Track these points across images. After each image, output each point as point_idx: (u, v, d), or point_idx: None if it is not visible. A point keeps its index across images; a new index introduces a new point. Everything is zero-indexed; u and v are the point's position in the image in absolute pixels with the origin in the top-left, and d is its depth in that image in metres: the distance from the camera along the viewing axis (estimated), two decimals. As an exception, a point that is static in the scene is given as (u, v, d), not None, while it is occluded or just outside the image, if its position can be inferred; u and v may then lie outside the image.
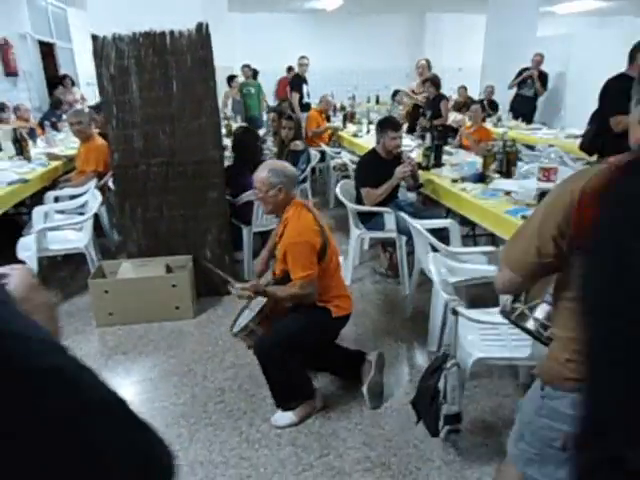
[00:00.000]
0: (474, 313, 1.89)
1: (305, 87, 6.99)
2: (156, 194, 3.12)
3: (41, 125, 6.15)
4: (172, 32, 2.87)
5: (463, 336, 1.96)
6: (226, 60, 7.50)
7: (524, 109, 6.99)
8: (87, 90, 9.82)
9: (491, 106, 7.16)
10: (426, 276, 2.64)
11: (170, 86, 2.96)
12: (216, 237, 3.28)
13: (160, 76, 2.93)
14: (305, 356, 2.20)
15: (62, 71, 8.87)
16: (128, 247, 3.23)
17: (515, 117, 6.81)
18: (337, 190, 3.51)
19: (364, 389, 2.25)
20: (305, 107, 6.83)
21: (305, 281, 2.03)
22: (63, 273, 3.77)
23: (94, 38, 2.82)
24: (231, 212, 3.47)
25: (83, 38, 9.86)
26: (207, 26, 2.91)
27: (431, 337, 2.66)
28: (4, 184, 3.42)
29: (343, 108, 7.60)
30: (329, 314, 2.15)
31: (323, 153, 5.56)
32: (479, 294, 2.70)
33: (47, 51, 8.43)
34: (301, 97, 6.88)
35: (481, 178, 3.23)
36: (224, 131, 5.05)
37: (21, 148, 4.28)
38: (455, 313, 1.80)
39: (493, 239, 3.38)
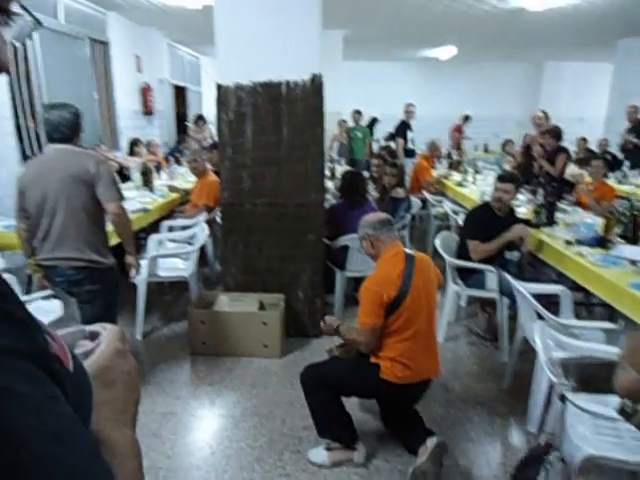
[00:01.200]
0: (586, 400, 1.65)
1: (410, 133, 7.01)
2: (258, 232, 3.25)
3: (166, 159, 6.81)
4: (288, 82, 3.03)
5: (571, 425, 1.72)
6: (336, 105, 7.80)
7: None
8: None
9: (614, 161, 6.58)
10: (529, 344, 2.40)
11: (281, 131, 3.11)
12: (310, 278, 3.31)
13: (273, 122, 3.10)
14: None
15: (190, 111, 9.85)
16: (227, 280, 3.38)
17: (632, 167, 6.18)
18: (437, 242, 3.38)
19: (409, 471, 2.01)
20: (409, 153, 6.82)
21: (363, 328, 2.02)
22: (167, 297, 4.03)
23: (219, 87, 3.08)
24: (327, 255, 3.50)
25: (211, 83, 10.91)
26: (321, 77, 3.04)
27: (531, 416, 2.38)
28: (129, 212, 3.79)
29: (449, 155, 7.46)
30: (377, 372, 2.04)
31: (424, 200, 5.46)
32: (593, 375, 2.38)
33: (179, 93, 9.44)
34: (405, 143, 6.90)
35: (601, 242, 2.92)
36: (327, 173, 5.19)
37: (147, 180, 4.75)
38: (563, 399, 1.58)
39: (611, 312, 3.01)
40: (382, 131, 9.32)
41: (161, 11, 6.52)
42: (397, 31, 8.02)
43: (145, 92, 7.63)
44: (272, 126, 3.10)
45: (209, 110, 10.88)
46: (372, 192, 4.88)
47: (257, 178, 3.18)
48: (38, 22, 0.42)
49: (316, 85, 3.04)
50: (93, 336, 0.56)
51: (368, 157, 7.88)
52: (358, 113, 8.49)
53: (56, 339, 0.39)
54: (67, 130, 2.27)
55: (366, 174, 6.41)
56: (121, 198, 2.41)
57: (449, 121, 9.93)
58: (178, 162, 6.79)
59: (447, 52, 10.06)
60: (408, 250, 2.24)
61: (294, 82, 3.03)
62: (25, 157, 4.84)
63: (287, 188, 3.17)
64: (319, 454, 2.18)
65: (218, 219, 4.13)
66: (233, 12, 2.99)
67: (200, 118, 8.28)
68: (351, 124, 8.48)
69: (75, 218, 2.29)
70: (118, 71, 6.83)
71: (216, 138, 8.56)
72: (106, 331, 0.56)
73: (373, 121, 8.96)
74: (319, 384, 2.11)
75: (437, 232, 4.18)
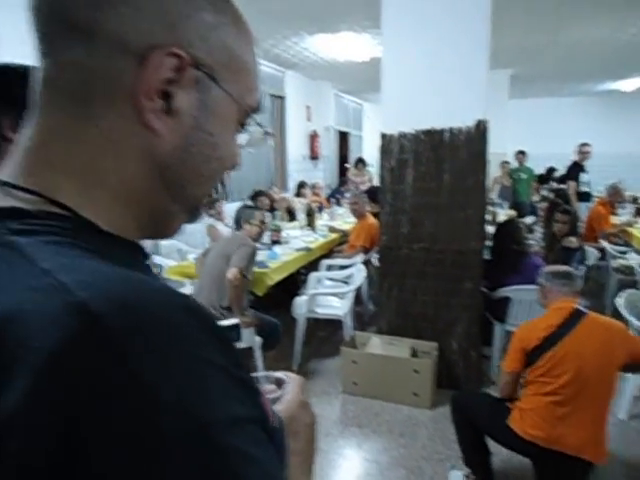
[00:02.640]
0: None
1: (584, 176, 6.36)
2: (413, 277, 3.24)
3: (328, 200, 7.26)
4: (451, 129, 3.04)
5: None
6: (499, 146, 7.49)
7: None
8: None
9: None
10: None
11: (442, 178, 3.10)
12: (465, 329, 3.17)
13: (434, 168, 3.11)
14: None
15: (352, 154, 10.40)
16: (380, 322, 3.42)
17: None
18: (619, 301, 2.97)
19: None
20: (583, 197, 6.17)
21: (503, 371, 2.10)
22: (322, 334, 4.22)
23: (383, 136, 3.22)
24: (485, 305, 3.33)
25: (372, 127, 11.42)
26: (486, 123, 2.98)
27: None
28: (293, 250, 4.12)
29: (635, 200, 6.54)
30: (506, 415, 2.02)
31: (603, 250, 4.84)
32: None
33: (342, 138, 10.05)
34: (577, 186, 6.27)
35: None
36: (488, 217, 4.96)
37: (310, 220, 5.12)
38: None
39: None
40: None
41: (331, 66, 7.11)
42: (573, 65, 7.46)
43: (313, 139, 8.32)
44: (433, 172, 3.12)
45: (369, 153, 11.36)
46: (539, 240, 4.53)
47: (416, 223, 3.20)
48: (268, 133, 0.51)
49: (480, 131, 2.99)
50: (278, 383, 0.62)
51: (533, 199, 7.34)
52: (522, 153, 8.02)
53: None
54: None
55: (532, 219, 5.98)
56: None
57: (635, 159, 8.75)
58: (339, 203, 7.18)
59: (632, 84, 8.99)
60: (582, 308, 2.03)
61: (457, 129, 3.02)
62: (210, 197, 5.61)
63: (446, 234, 3.13)
64: (456, 477, 2.32)
65: (374, 260, 4.24)
66: (399, 63, 3.12)
67: (360, 161, 8.67)
68: (514, 165, 8.04)
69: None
70: (291, 121, 7.59)
71: (375, 181, 8.88)
72: (291, 380, 0.60)
73: (550, 171, 8.40)
74: (464, 410, 2.23)
75: (619, 288, 3.67)
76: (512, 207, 7.14)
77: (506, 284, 3.32)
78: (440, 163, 3.10)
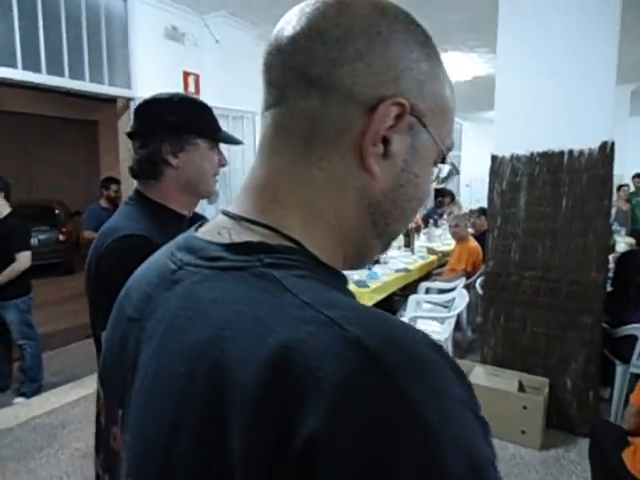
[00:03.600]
0: None
1: None
2: (523, 306, 3.06)
3: (424, 220, 7.12)
4: (571, 151, 2.85)
5: None
6: (616, 168, 6.89)
7: None
8: (464, 191, 10.85)
9: None
10: None
11: (559, 202, 2.91)
12: (582, 367, 2.91)
13: (550, 192, 2.94)
14: None
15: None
16: (484, 351, 3.25)
17: None
18: None
19: None
20: None
21: (631, 403, 2.04)
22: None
23: (493, 158, 3.11)
24: (605, 342, 3.03)
25: (471, 146, 11.07)
26: (612, 144, 2.76)
27: None
28: (392, 271, 4.09)
29: None
30: (621, 448, 1.95)
31: None
32: None
33: (440, 158, 9.83)
34: None
35: None
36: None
37: (409, 241, 5.05)
38: None
39: None
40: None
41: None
42: None
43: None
44: (549, 196, 2.94)
45: (467, 172, 11.02)
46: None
47: (527, 249, 3.03)
48: (457, 171, 0.52)
49: (606, 153, 2.77)
50: None
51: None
52: (639, 177, 7.31)
53: None
54: None
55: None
56: None
57: None
58: (436, 224, 7.01)
59: None
60: None
61: (579, 151, 2.83)
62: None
63: (562, 263, 2.92)
64: None
65: (477, 286, 4.07)
66: (515, 81, 3.00)
67: (449, 195, 8.26)
68: (632, 188, 7.34)
69: None
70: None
71: (462, 208, 8.48)
72: None
73: None
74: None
75: None
76: (630, 234, 6.51)
77: (631, 321, 3.01)
78: (557, 187, 2.91)
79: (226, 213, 0.45)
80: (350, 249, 0.46)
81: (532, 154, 2.97)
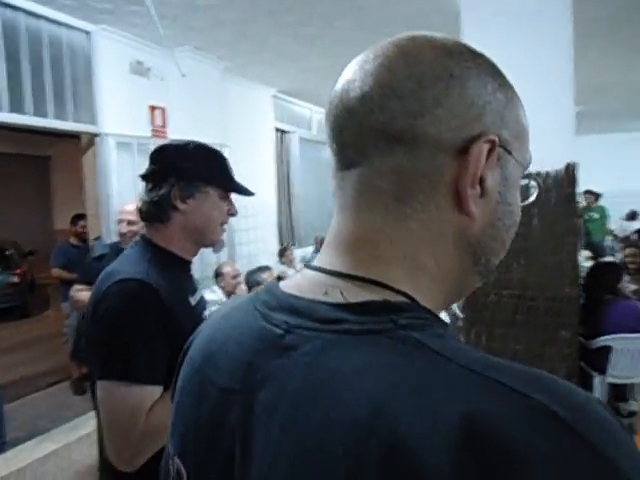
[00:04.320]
0: None
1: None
2: (503, 326, 3.13)
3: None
4: (538, 173, 2.99)
5: None
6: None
7: None
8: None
9: None
10: None
11: (531, 221, 3.03)
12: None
13: (522, 212, 3.04)
14: None
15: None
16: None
17: None
18: None
19: None
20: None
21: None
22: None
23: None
24: (581, 355, 3.13)
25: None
26: (575, 166, 2.92)
27: None
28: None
29: None
30: None
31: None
32: None
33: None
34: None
35: None
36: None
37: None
38: None
39: None
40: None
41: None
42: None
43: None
44: (522, 216, 3.04)
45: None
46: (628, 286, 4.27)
47: (504, 268, 3.11)
48: (539, 185, 0.53)
49: (569, 174, 2.92)
50: None
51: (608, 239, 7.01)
52: (590, 193, 7.77)
53: None
54: None
55: (608, 260, 5.69)
56: None
57: None
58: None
59: None
60: None
61: (545, 172, 2.97)
62: (280, 243, 5.75)
63: (537, 280, 3.02)
64: None
65: (455, 308, 4.13)
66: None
67: None
68: (584, 204, 7.76)
69: None
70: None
71: None
72: None
73: (633, 215, 8.07)
74: None
75: None
76: (586, 247, 6.84)
77: (604, 332, 3.13)
78: (528, 207, 3.00)
79: (319, 269, 0.44)
80: (451, 290, 0.45)
81: (502, 177, 3.08)
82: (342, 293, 0.40)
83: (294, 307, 0.42)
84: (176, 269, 1.15)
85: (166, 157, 1.14)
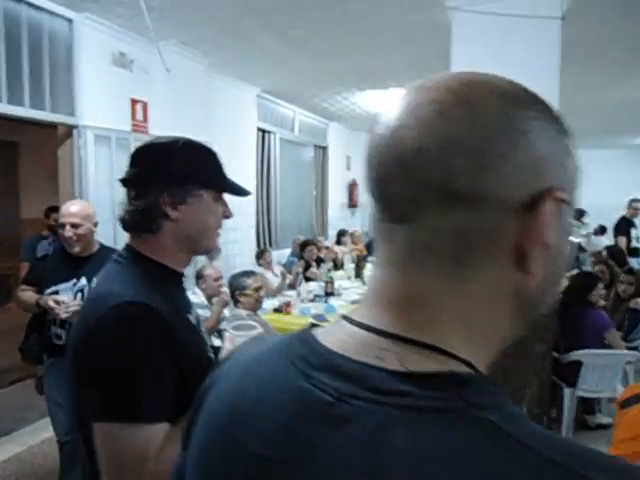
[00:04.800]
0: None
1: (634, 231, 6.28)
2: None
3: (367, 248, 7.26)
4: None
5: None
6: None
7: None
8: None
9: None
10: None
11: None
12: (536, 394, 3.05)
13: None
14: None
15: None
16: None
17: None
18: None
19: None
20: (633, 252, 6.06)
21: None
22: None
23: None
24: (553, 368, 3.21)
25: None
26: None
27: None
28: (348, 302, 4.09)
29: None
30: None
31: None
32: None
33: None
34: (629, 242, 6.17)
35: None
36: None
37: (359, 270, 5.11)
38: None
39: None
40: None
41: (372, 117, 7.26)
42: (616, 121, 7.50)
43: (352, 188, 8.44)
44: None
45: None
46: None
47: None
48: (583, 223, 0.51)
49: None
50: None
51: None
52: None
53: None
54: None
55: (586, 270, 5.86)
56: None
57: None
58: (378, 252, 7.16)
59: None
60: None
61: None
62: (258, 244, 5.69)
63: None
64: None
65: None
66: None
67: None
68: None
69: None
70: (332, 170, 7.74)
71: None
72: None
73: (602, 230, 8.24)
74: None
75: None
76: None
77: (575, 347, 3.21)
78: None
79: (365, 326, 0.41)
80: (500, 347, 0.44)
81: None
82: (400, 359, 0.37)
83: (342, 370, 0.38)
84: (169, 284, 1.03)
85: (152, 158, 1.01)
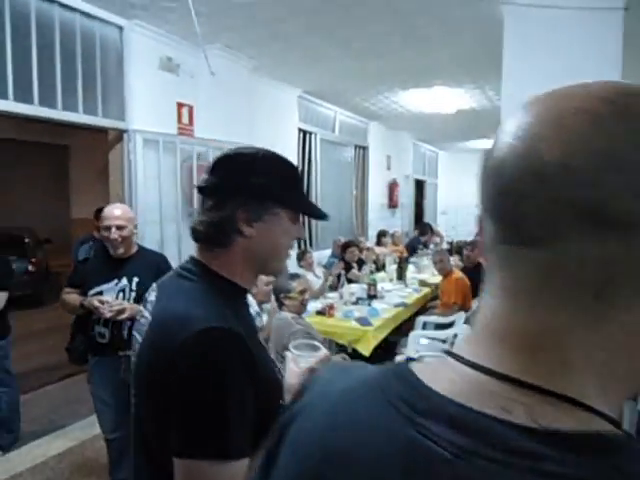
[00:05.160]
0: None
1: None
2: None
3: (408, 249, 7.14)
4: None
5: None
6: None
7: None
8: (441, 218, 11.02)
9: None
10: None
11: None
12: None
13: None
14: None
15: (428, 202, 10.30)
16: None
17: None
18: None
19: None
20: None
21: None
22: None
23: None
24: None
25: (447, 175, 11.31)
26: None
27: None
28: (391, 306, 4.03)
29: None
30: None
31: None
32: None
33: (419, 186, 10.02)
34: None
35: None
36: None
37: (401, 272, 5.02)
38: None
39: None
40: None
41: (415, 117, 7.17)
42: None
43: (392, 187, 8.33)
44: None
45: (444, 201, 11.23)
46: None
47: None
48: None
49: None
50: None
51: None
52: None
53: None
54: None
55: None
56: None
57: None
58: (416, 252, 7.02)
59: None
60: None
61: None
62: (299, 245, 5.68)
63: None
64: None
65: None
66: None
67: (425, 226, 8.18)
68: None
69: None
70: (372, 170, 7.66)
71: (444, 237, 8.54)
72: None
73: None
74: None
75: None
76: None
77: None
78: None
79: (479, 367, 0.36)
80: (632, 394, 0.39)
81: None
82: (529, 413, 0.32)
83: (459, 421, 0.34)
84: (239, 303, 0.97)
85: (234, 170, 0.95)
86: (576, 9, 2.78)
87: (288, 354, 1.05)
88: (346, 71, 4.78)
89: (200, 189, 0.97)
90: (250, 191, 0.92)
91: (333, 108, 6.42)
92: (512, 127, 0.37)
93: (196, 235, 0.95)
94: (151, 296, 0.96)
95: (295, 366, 1.01)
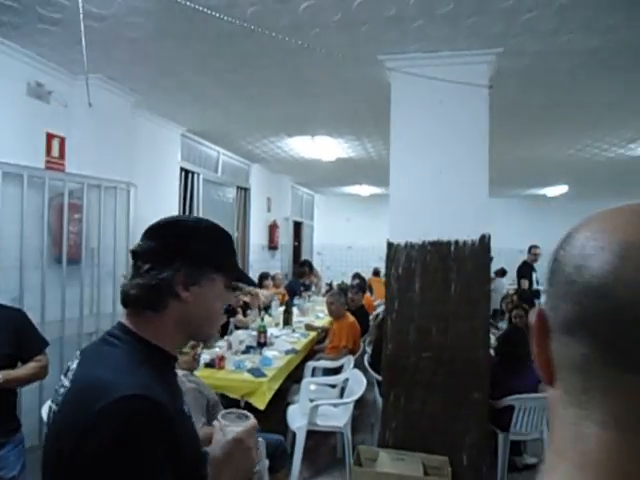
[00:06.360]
0: None
1: (534, 275, 6.90)
2: (421, 387, 3.18)
3: (289, 292, 7.15)
4: (457, 242, 3.18)
5: None
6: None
7: None
8: (317, 258, 11.33)
9: None
10: None
11: (449, 287, 3.19)
12: (476, 441, 3.11)
13: (441, 279, 3.20)
14: None
15: (304, 243, 10.52)
16: (386, 435, 3.26)
17: None
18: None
19: None
20: (536, 295, 6.63)
21: None
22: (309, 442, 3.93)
23: (389, 245, 3.29)
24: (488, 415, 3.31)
25: (322, 217, 11.75)
26: (489, 237, 3.16)
27: None
28: (282, 353, 3.93)
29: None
30: None
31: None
32: None
33: (296, 228, 10.21)
34: (530, 284, 6.75)
35: None
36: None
37: (288, 317, 4.97)
38: None
39: None
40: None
41: (296, 161, 7.36)
42: (505, 175, 8.30)
43: (272, 229, 8.36)
44: (440, 283, 3.20)
45: (319, 242, 11.58)
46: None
47: (423, 332, 3.21)
48: None
49: (484, 244, 3.16)
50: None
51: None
52: None
53: None
54: None
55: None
56: None
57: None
58: (300, 295, 7.09)
59: (557, 190, 10.12)
60: None
61: (463, 241, 3.17)
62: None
63: (453, 343, 3.15)
64: None
65: (366, 363, 4.14)
66: (407, 175, 3.26)
67: (304, 263, 8.49)
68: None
69: None
70: (253, 211, 7.62)
71: (322, 279, 8.87)
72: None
73: (503, 272, 8.83)
74: None
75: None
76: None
77: (510, 392, 3.35)
78: (447, 273, 3.19)
79: None
80: None
81: (424, 242, 3.23)
82: None
83: None
84: (166, 370, 0.96)
85: (175, 235, 0.97)
86: (451, 82, 3.14)
87: (215, 423, 1.02)
88: (234, 114, 4.75)
89: (134, 253, 0.96)
90: (190, 256, 0.94)
91: (216, 148, 6.31)
92: (610, 243, 0.36)
93: (127, 299, 0.93)
94: (73, 364, 0.91)
95: (221, 436, 0.98)
